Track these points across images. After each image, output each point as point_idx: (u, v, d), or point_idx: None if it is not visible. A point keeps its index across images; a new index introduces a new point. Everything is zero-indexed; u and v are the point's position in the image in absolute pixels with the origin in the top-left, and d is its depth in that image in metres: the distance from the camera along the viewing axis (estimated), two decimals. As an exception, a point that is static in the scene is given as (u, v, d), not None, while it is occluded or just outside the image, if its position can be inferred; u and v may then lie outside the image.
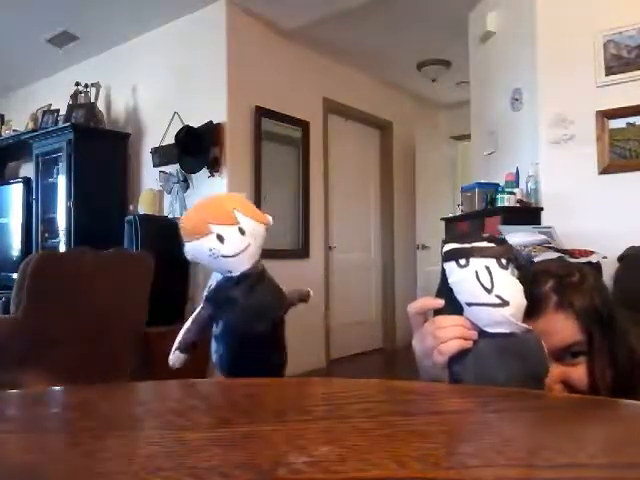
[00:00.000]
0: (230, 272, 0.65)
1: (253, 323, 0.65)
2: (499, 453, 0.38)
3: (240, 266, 0.64)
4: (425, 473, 0.34)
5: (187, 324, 0.68)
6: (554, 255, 2.08)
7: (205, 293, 0.69)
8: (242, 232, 0.64)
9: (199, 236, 0.63)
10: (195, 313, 0.69)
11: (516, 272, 0.60)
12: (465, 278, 0.58)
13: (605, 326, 0.72)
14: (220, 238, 0.63)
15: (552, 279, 0.74)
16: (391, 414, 0.49)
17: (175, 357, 0.67)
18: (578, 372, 0.72)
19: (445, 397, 0.57)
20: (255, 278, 0.65)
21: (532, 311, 0.70)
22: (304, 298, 0.78)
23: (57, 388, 0.60)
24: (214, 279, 0.69)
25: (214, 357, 0.69)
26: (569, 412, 0.52)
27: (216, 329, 0.68)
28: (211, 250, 0.63)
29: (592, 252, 2.35)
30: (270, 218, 0.70)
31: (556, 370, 0.70)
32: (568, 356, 0.72)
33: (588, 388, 0.71)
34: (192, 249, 0.64)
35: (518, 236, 2.23)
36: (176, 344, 0.67)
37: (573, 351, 0.72)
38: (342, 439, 0.41)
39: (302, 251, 4.24)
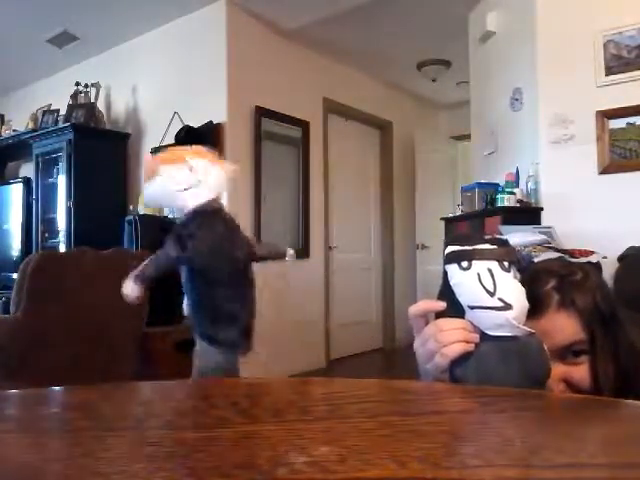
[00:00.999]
0: (185, 209, 0.66)
1: (213, 259, 0.66)
2: (499, 453, 0.38)
3: (193, 200, 0.66)
4: (425, 473, 0.34)
5: (147, 260, 0.69)
6: (554, 255, 2.08)
7: (186, 213, 0.70)
8: (191, 169, 0.66)
9: (154, 175, 0.65)
10: (158, 252, 0.70)
11: (518, 275, 0.59)
12: (467, 281, 0.58)
13: (607, 325, 0.72)
14: (171, 176, 0.65)
15: (554, 278, 0.74)
16: (391, 414, 0.49)
17: (129, 286, 0.67)
18: (580, 371, 0.72)
19: (445, 397, 0.57)
20: (210, 213, 0.66)
21: (534, 310, 0.70)
22: (279, 256, 0.76)
23: (57, 388, 0.60)
24: (179, 220, 0.70)
25: (184, 308, 0.69)
26: (569, 412, 0.52)
27: (183, 276, 0.68)
28: (164, 187, 0.65)
29: (592, 252, 2.35)
30: (233, 167, 0.72)
31: (558, 369, 0.70)
32: (570, 355, 0.72)
33: (590, 387, 0.71)
34: (151, 190, 0.66)
35: (518, 236, 2.23)
36: (133, 274, 0.67)
37: (575, 350, 0.72)
38: (342, 439, 0.41)
39: (302, 251, 4.24)
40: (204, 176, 0.64)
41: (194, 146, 0.67)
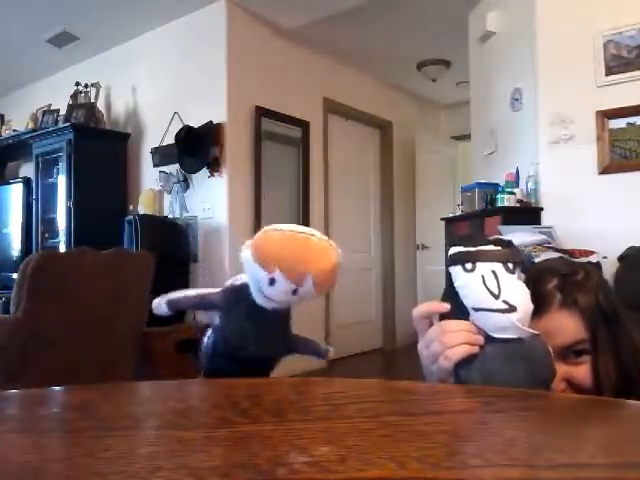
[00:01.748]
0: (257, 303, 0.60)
1: (244, 343, 0.61)
2: (499, 453, 0.38)
3: (268, 304, 0.60)
4: (425, 473, 0.34)
5: (191, 292, 0.64)
6: (554, 255, 2.08)
7: (230, 282, 0.63)
8: (294, 293, 0.59)
9: (261, 266, 0.58)
10: (207, 290, 0.64)
11: (523, 276, 0.59)
12: (471, 283, 0.58)
13: (609, 324, 0.72)
14: (272, 282, 0.58)
15: (556, 277, 0.74)
16: (391, 414, 0.49)
17: (158, 305, 0.63)
18: (582, 371, 0.72)
19: (445, 397, 0.57)
20: (274, 311, 0.60)
21: (536, 309, 0.70)
22: (319, 354, 0.71)
23: (57, 388, 0.60)
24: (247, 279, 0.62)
25: (204, 340, 0.65)
26: (570, 412, 0.52)
27: (215, 319, 0.64)
28: (257, 281, 0.58)
29: (592, 252, 2.35)
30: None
31: (560, 369, 0.70)
32: (572, 355, 0.72)
33: (592, 387, 0.71)
34: (246, 263, 0.59)
35: (518, 236, 2.23)
36: (168, 297, 0.63)
37: (577, 349, 0.72)
38: (342, 439, 0.41)
39: (302, 251, 4.24)
40: (300, 301, 0.56)
41: (333, 251, 0.52)
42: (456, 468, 0.36)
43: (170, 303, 0.64)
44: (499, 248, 0.58)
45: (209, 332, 0.65)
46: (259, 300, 0.60)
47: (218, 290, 0.64)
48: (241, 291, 0.61)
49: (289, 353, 0.65)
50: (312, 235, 0.58)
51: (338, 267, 0.58)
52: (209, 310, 0.65)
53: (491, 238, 0.60)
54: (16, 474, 0.35)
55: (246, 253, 0.58)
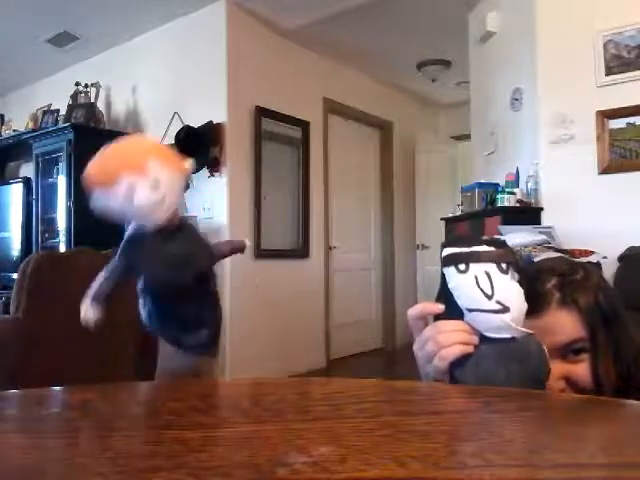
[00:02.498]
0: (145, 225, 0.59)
1: (175, 273, 0.60)
2: (499, 453, 0.38)
3: (154, 218, 0.58)
4: (425, 473, 0.34)
5: (100, 275, 0.63)
6: (554, 255, 2.08)
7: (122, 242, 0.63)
8: (157, 184, 0.56)
9: (108, 186, 0.57)
10: (109, 264, 0.64)
11: (517, 275, 0.59)
12: (465, 283, 0.58)
13: (608, 323, 0.72)
14: (131, 190, 0.56)
15: (556, 276, 0.74)
16: (391, 414, 0.49)
17: (86, 308, 0.61)
18: (581, 369, 0.72)
19: (445, 397, 0.57)
20: (173, 228, 0.59)
21: (535, 308, 0.70)
22: (238, 248, 0.70)
23: (57, 388, 0.60)
24: (130, 227, 0.62)
25: (142, 313, 0.64)
26: (569, 412, 0.52)
27: (139, 283, 0.63)
28: (120, 202, 0.57)
29: (592, 252, 2.36)
30: (189, 164, 0.60)
31: (559, 367, 0.70)
32: (571, 353, 0.72)
33: (591, 385, 0.71)
34: (102, 200, 0.59)
35: (518, 236, 2.23)
36: (89, 295, 0.62)
37: (576, 348, 0.72)
38: (342, 439, 0.41)
39: (302, 251, 4.24)
40: (169, 190, 0.54)
41: (148, 139, 0.55)
42: (456, 468, 0.36)
43: (94, 298, 0.62)
44: (492, 248, 0.59)
45: (140, 302, 0.64)
46: (142, 219, 0.58)
47: (115, 256, 0.63)
48: (133, 235, 0.60)
49: (214, 258, 0.64)
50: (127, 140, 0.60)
51: (157, 140, 0.59)
52: (127, 275, 0.63)
53: (485, 238, 0.60)
54: (16, 474, 0.35)
55: (95, 197, 0.58)
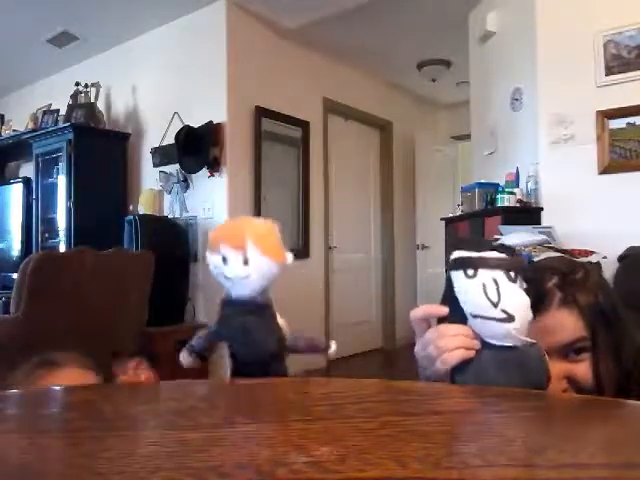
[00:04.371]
0: (230, 295, 0.65)
1: (234, 345, 0.65)
2: (500, 453, 0.38)
3: (239, 291, 0.64)
4: (425, 473, 0.34)
5: (200, 332, 0.69)
6: (554, 255, 2.08)
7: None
8: (245, 262, 0.63)
9: (212, 251, 0.64)
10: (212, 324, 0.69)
11: (524, 284, 0.58)
12: (472, 289, 0.57)
13: (609, 323, 0.72)
14: (224, 259, 0.63)
15: (556, 276, 0.74)
16: (391, 414, 0.49)
17: (182, 357, 0.67)
18: (582, 369, 0.72)
19: (445, 397, 0.57)
20: (250, 309, 0.64)
21: (536, 307, 0.70)
22: (317, 349, 0.73)
23: (57, 388, 0.60)
24: (225, 293, 0.68)
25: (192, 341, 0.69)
26: (570, 412, 0.52)
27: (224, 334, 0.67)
28: (216, 267, 0.63)
29: (592, 252, 2.35)
30: (290, 257, 0.64)
31: (560, 367, 0.70)
32: (572, 353, 0.72)
33: (592, 385, 0.71)
34: (209, 260, 0.65)
35: (518, 236, 2.22)
36: (188, 345, 0.67)
37: (577, 347, 0.72)
38: (342, 439, 0.41)
39: (302, 251, 4.24)
40: (256, 273, 0.60)
41: (264, 223, 0.61)
42: (456, 468, 0.36)
43: (192, 349, 0.67)
44: (502, 255, 0.58)
45: (202, 332, 0.68)
46: (231, 288, 0.63)
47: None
48: (225, 299, 0.65)
49: (284, 349, 0.67)
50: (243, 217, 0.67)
51: (274, 229, 0.64)
52: (221, 337, 0.67)
53: (495, 244, 0.60)
54: (16, 474, 0.35)
55: (207, 254, 0.64)
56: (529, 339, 0.58)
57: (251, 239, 0.62)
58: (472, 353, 0.58)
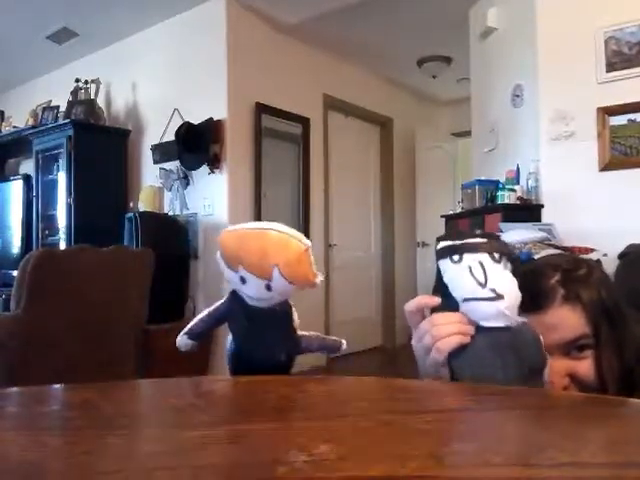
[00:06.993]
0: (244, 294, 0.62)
1: (253, 351, 0.63)
2: (499, 452, 0.38)
3: (256, 303, 0.61)
4: (425, 471, 0.34)
5: (203, 314, 0.65)
6: (555, 252, 2.08)
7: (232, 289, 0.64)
8: (268, 288, 0.57)
9: (228, 266, 0.59)
10: (214, 306, 0.65)
11: (510, 266, 0.60)
12: (459, 274, 0.59)
13: (612, 320, 0.72)
14: (243, 280, 0.58)
15: (559, 272, 0.74)
16: (391, 412, 0.49)
17: (181, 340, 0.64)
18: (585, 366, 0.71)
19: (446, 395, 0.57)
20: (267, 319, 0.61)
21: (539, 304, 0.70)
22: (330, 348, 0.68)
23: (57, 386, 0.60)
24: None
25: (227, 350, 0.66)
26: (570, 410, 0.52)
27: (231, 327, 0.65)
28: (230, 281, 0.60)
29: (592, 249, 2.35)
30: (320, 279, 0.57)
31: (563, 364, 0.70)
32: (574, 350, 0.72)
33: (595, 382, 0.71)
34: (222, 269, 0.60)
35: (518, 233, 2.22)
36: (186, 329, 0.64)
37: (579, 344, 0.72)
38: (342, 437, 0.41)
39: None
40: (279, 295, 0.55)
41: (297, 242, 0.51)
42: (456, 467, 0.36)
43: (190, 333, 0.65)
44: (485, 240, 0.60)
45: (229, 340, 0.66)
46: (248, 300, 0.61)
47: (224, 299, 0.65)
48: (238, 295, 0.62)
49: (298, 353, 0.65)
50: (269, 229, 0.58)
51: (306, 255, 0.56)
52: (224, 322, 0.65)
53: (478, 232, 0.62)
54: (16, 472, 0.35)
55: (218, 255, 0.60)
56: (520, 318, 0.59)
57: (279, 267, 0.55)
58: (467, 338, 0.59)
